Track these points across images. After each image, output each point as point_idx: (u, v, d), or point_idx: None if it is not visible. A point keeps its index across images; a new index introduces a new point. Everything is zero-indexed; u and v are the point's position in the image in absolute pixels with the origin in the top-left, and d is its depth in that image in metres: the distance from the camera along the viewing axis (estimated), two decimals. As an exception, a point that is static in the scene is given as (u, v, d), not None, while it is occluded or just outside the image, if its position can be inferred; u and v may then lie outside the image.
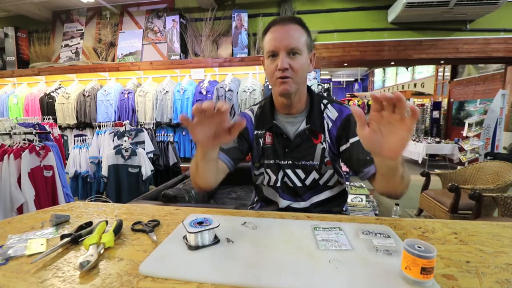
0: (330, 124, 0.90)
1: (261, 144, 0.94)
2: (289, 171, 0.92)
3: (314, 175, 0.90)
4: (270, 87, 3.24)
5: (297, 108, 0.90)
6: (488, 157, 3.77)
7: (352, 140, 0.85)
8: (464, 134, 4.55)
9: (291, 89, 0.81)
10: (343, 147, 0.88)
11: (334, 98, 1.09)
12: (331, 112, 0.91)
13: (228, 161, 0.89)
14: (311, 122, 0.89)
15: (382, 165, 0.61)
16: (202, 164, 0.71)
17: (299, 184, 0.91)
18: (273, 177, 0.94)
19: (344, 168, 1.01)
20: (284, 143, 0.91)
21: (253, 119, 0.97)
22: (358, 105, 8.53)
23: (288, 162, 0.91)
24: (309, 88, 0.94)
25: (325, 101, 0.94)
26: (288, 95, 0.84)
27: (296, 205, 0.92)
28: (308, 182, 0.91)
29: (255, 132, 0.96)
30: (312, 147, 0.89)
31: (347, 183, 0.96)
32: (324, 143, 0.89)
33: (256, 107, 1.00)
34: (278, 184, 0.93)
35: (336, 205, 0.95)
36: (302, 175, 0.91)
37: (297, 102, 0.89)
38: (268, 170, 0.94)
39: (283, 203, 0.93)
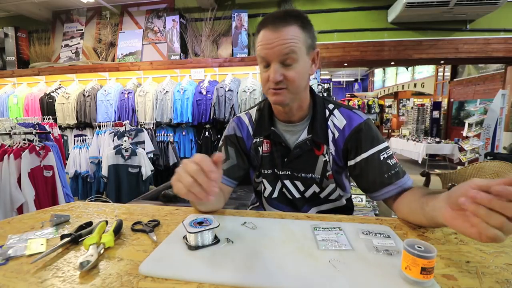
0: (337, 134, 0.79)
1: (261, 153, 0.85)
2: (287, 182, 0.84)
3: (314, 188, 0.83)
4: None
5: (298, 115, 0.80)
6: (488, 157, 3.77)
7: (364, 155, 0.75)
8: (464, 134, 4.55)
9: (285, 100, 0.72)
10: (351, 162, 0.78)
11: (344, 103, 1.01)
12: (338, 120, 0.80)
13: (230, 182, 0.84)
14: (314, 132, 0.78)
15: (435, 225, 0.56)
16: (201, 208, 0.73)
17: (297, 195, 0.85)
18: (269, 188, 0.87)
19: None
20: (282, 152, 0.82)
21: (250, 126, 0.88)
22: (358, 105, 8.53)
23: (287, 173, 0.83)
24: (312, 91, 0.83)
25: (331, 106, 0.82)
26: (283, 105, 0.75)
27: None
28: (307, 194, 0.84)
29: (254, 140, 0.86)
30: (313, 159, 0.80)
31: (350, 184, 0.93)
32: (326, 155, 0.79)
33: (254, 111, 0.89)
34: (275, 195, 0.87)
35: None
36: (302, 187, 0.84)
37: (297, 110, 0.79)
38: (265, 181, 0.87)
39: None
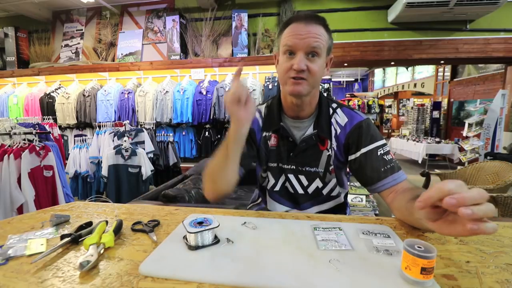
0: (339, 130, 0.84)
1: (269, 147, 0.89)
2: (291, 176, 0.88)
3: (317, 183, 0.87)
4: (270, 87, 3.25)
5: (306, 111, 0.85)
6: (488, 157, 3.77)
7: (363, 150, 0.80)
8: (464, 134, 4.55)
9: (304, 91, 0.76)
10: (351, 157, 0.83)
11: (345, 103, 1.04)
12: (340, 117, 0.85)
13: (239, 168, 0.85)
14: (319, 128, 0.84)
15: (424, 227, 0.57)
16: (228, 160, 0.73)
17: (300, 191, 0.88)
18: (272, 181, 0.90)
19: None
20: (289, 147, 0.86)
21: (261, 120, 0.92)
22: (358, 105, 8.52)
23: (292, 167, 0.87)
24: (319, 91, 0.88)
25: (334, 105, 0.88)
26: (299, 96, 0.78)
27: (294, 212, 0.89)
28: (310, 190, 0.87)
29: (263, 134, 0.90)
30: (317, 153, 0.85)
31: (348, 183, 0.96)
32: (330, 150, 0.84)
33: (263, 107, 0.94)
34: (277, 188, 0.90)
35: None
36: (305, 182, 0.87)
37: (307, 105, 0.84)
38: (269, 173, 0.91)
39: (281, 209, 0.90)
